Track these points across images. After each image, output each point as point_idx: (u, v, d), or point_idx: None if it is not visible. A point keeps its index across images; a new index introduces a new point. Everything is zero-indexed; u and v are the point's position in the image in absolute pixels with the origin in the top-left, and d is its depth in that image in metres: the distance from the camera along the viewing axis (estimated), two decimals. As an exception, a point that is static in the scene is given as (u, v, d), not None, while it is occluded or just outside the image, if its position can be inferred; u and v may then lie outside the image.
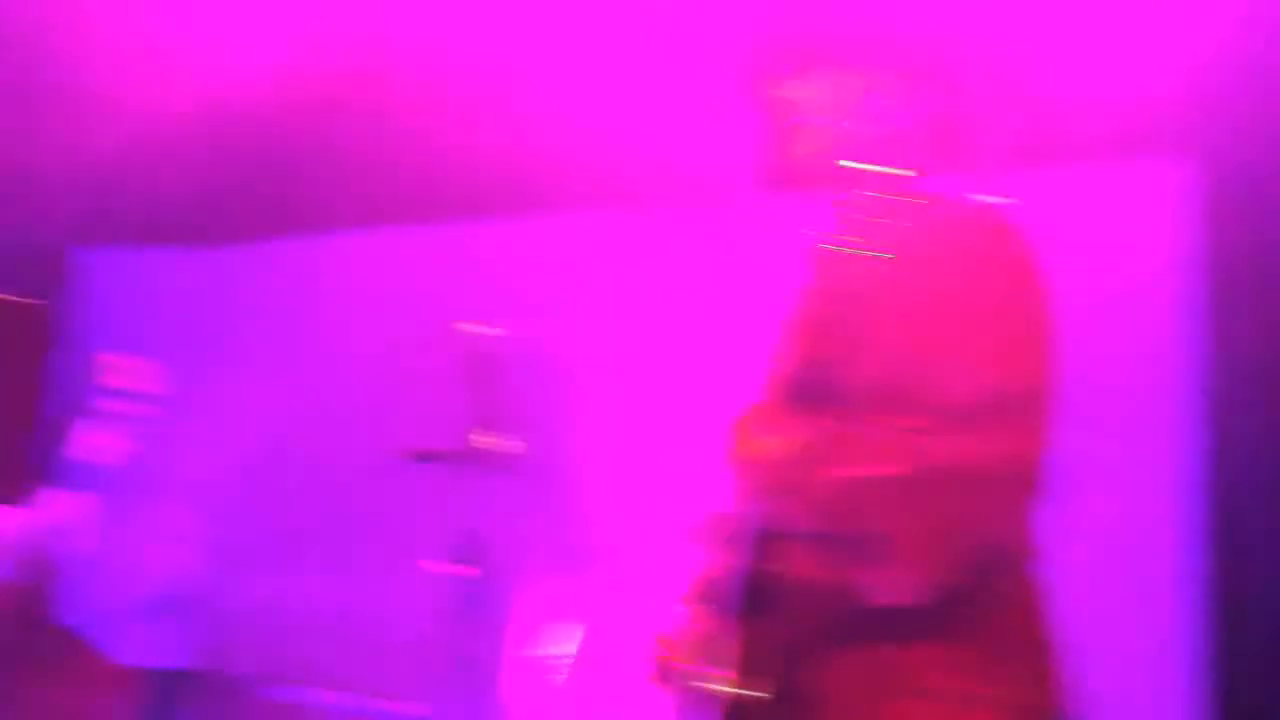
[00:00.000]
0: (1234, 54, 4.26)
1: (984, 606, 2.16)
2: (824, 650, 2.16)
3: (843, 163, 2.22)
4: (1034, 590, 2.23)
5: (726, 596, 2.37)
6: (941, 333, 2.21)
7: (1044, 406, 2.20)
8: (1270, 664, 4.20)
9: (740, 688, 2.13)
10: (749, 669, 2.14)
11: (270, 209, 5.12)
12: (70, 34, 4.56)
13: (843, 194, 2.23)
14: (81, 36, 4.55)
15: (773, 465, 2.16)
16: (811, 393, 2.28)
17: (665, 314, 4.68)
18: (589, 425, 4.76)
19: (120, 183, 5.05)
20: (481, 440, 2.60)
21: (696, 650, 2.35)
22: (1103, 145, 4.36)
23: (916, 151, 2.41)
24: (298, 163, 4.98)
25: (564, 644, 2.42)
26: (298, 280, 5.10)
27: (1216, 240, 4.38)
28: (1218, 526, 4.28)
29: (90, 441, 4.08)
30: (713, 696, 2.17)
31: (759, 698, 2.11)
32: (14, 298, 5.14)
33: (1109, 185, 4.41)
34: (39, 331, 5.25)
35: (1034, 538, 2.23)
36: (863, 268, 2.32)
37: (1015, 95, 4.32)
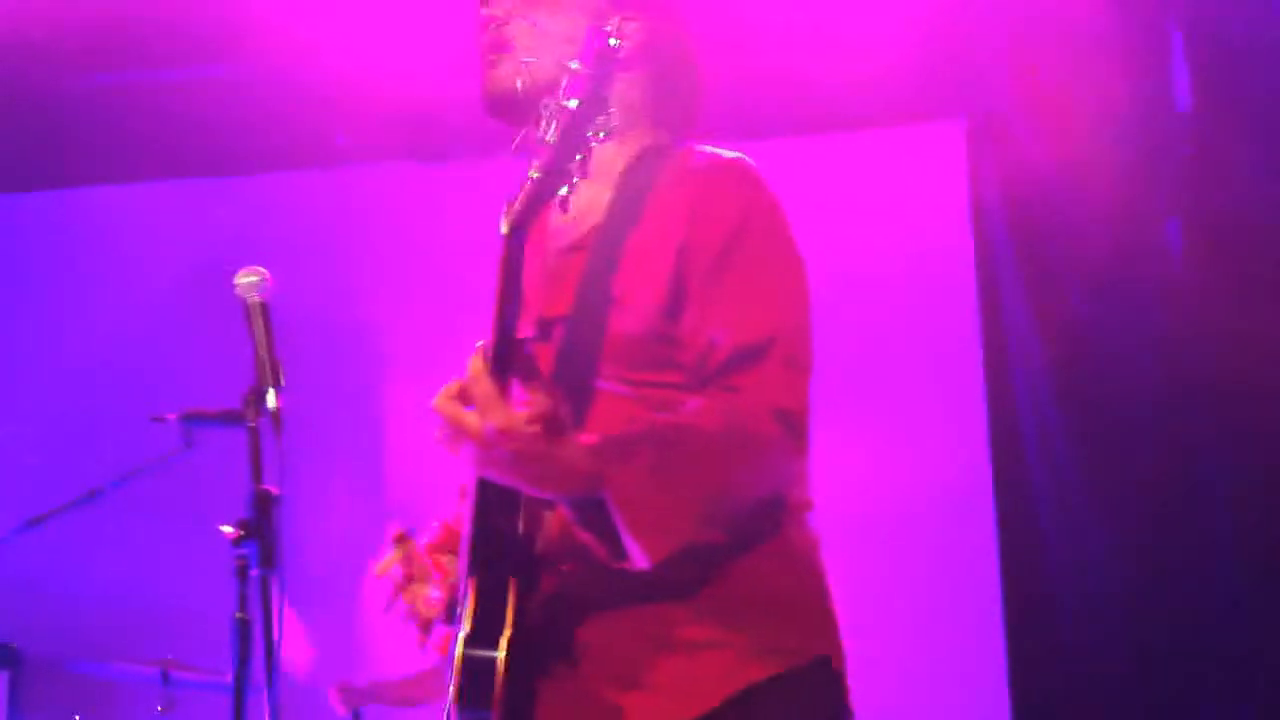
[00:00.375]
0: (996, 21, 4.43)
1: (750, 558, 2.09)
2: (582, 606, 2.08)
3: (565, 103, 1.94)
4: (806, 541, 2.16)
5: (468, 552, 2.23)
6: (694, 284, 2.10)
7: (805, 356, 2.13)
8: (1061, 628, 4.42)
9: (477, 648, 2.01)
10: (491, 627, 2.02)
11: (35, 158, 4.92)
12: None
13: (566, 138, 1.94)
14: None
15: (506, 434, 1.90)
16: (542, 353, 2.15)
17: (461, 266, 4.64)
18: (387, 383, 4.72)
19: None
20: (273, 400, 2.49)
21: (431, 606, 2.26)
22: (875, 114, 4.48)
23: (647, 100, 2.26)
24: (64, 111, 4.79)
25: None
26: (73, 234, 4.93)
27: (982, 201, 4.57)
28: (1000, 478, 4.50)
29: None
30: (452, 654, 2.04)
31: (497, 658, 2.00)
32: None
33: (884, 151, 4.54)
34: None
35: (804, 488, 2.17)
36: (593, 219, 2.20)
37: (779, 67, 4.40)
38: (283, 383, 2.51)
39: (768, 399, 2.06)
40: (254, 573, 2.49)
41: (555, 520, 2.07)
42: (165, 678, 3.97)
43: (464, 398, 1.94)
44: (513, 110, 2.24)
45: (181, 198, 4.86)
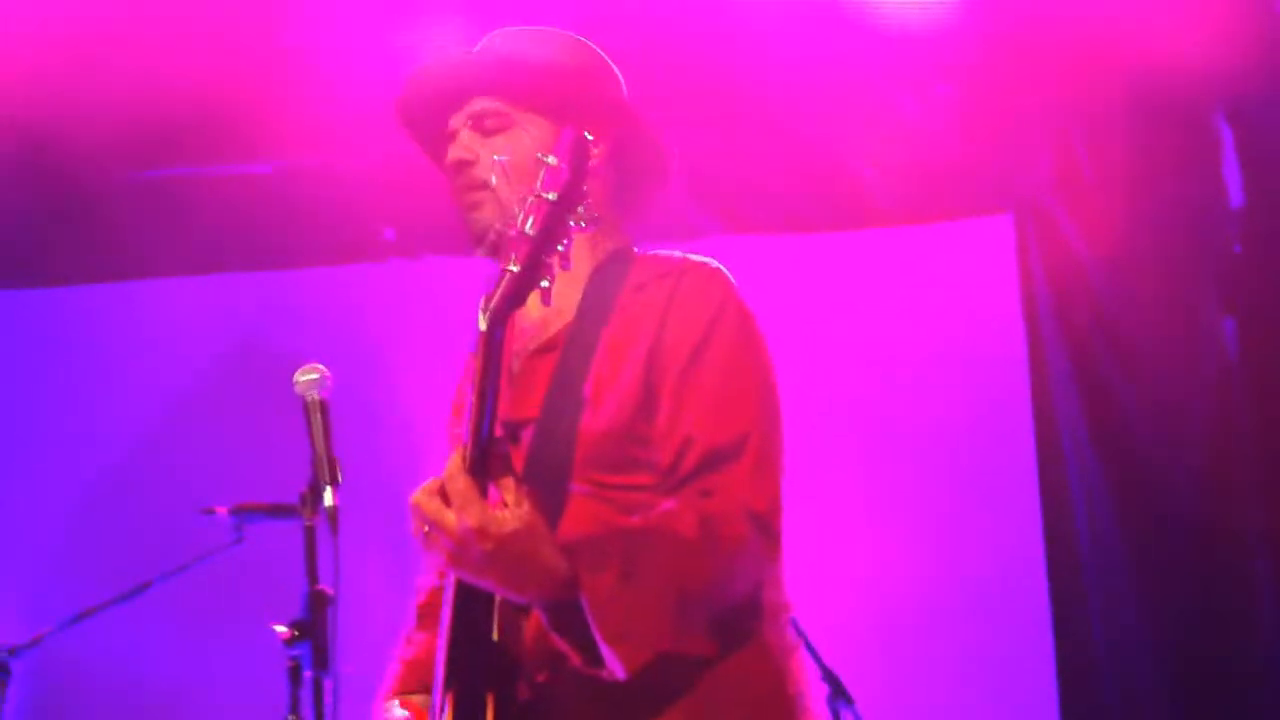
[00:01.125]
0: (1047, 118, 4.43)
1: (727, 664, 2.05)
2: (559, 718, 2.03)
3: (544, 195, 1.89)
4: (783, 644, 2.13)
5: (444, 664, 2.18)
6: (665, 386, 2.10)
7: (776, 457, 2.11)
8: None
9: None
10: None
11: (84, 253, 4.94)
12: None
13: (545, 230, 1.90)
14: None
15: (482, 533, 1.86)
16: (516, 455, 2.13)
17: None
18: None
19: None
20: (330, 498, 2.46)
21: None
22: (927, 208, 4.49)
23: (610, 206, 2.26)
24: (111, 205, 4.82)
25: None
26: (123, 327, 4.94)
27: (1033, 295, 4.56)
28: (1053, 562, 4.45)
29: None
30: None
31: None
32: None
33: (938, 243, 4.54)
34: None
35: (781, 590, 2.14)
36: (561, 320, 2.20)
37: (835, 163, 4.43)
38: (340, 480, 2.48)
39: (740, 501, 2.04)
40: (307, 674, 2.44)
41: (530, 628, 2.03)
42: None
43: (444, 495, 1.90)
44: (494, 248, 2.24)
45: (230, 291, 4.88)
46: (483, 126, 2.27)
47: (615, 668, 1.93)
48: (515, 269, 1.89)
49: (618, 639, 1.92)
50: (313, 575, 2.47)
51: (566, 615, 1.94)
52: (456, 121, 2.29)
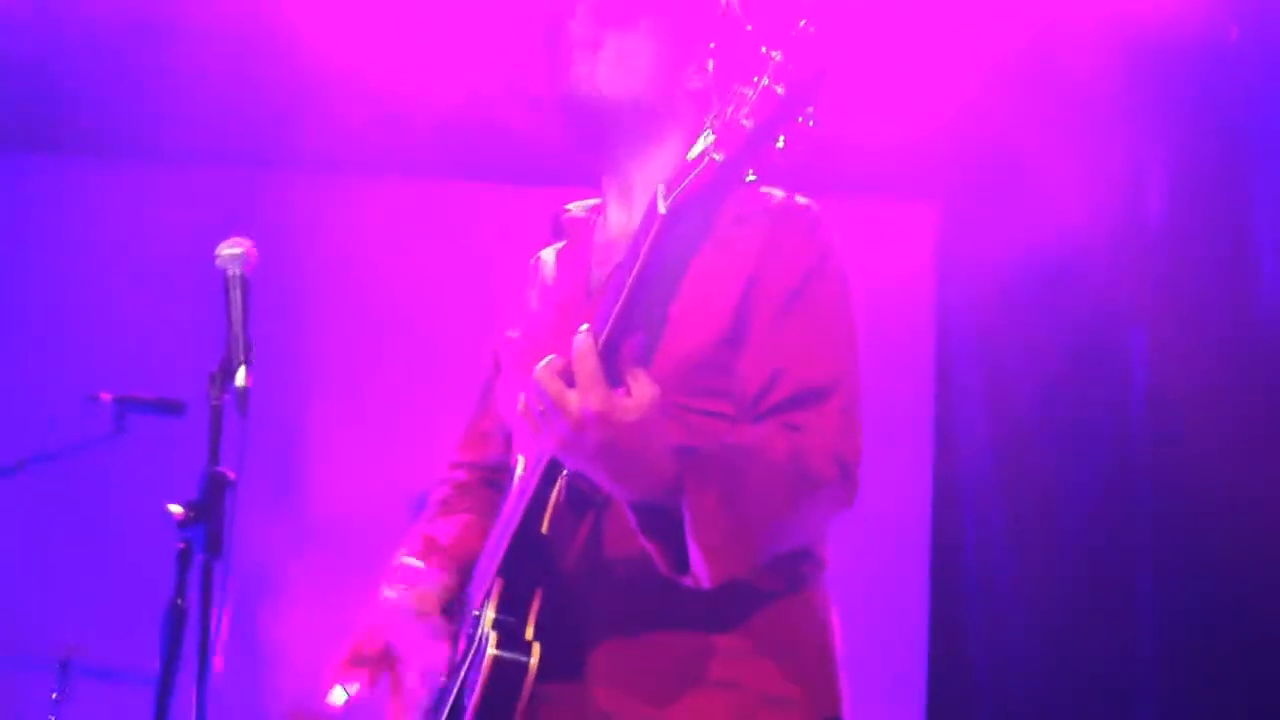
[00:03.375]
0: (977, 110, 4.44)
1: (779, 607, 2.08)
2: (623, 629, 2.04)
3: (773, 87, 1.71)
4: (825, 599, 2.16)
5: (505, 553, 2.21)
6: (760, 318, 2.08)
7: (860, 410, 2.10)
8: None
9: (503, 650, 1.98)
10: (513, 631, 2.00)
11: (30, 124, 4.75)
12: None
13: (767, 127, 1.72)
14: None
15: (604, 419, 1.81)
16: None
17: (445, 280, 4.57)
18: (347, 382, 4.61)
19: None
20: (243, 377, 2.34)
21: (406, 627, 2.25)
22: (856, 184, 4.47)
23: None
24: (67, 81, 4.64)
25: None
26: (47, 201, 4.77)
27: (947, 277, 4.58)
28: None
29: None
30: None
31: (525, 665, 1.97)
32: None
33: (857, 221, 4.53)
34: None
35: (826, 547, 2.16)
36: (659, 244, 2.02)
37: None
38: (253, 361, 2.36)
39: (829, 442, 2.03)
40: (198, 558, 2.33)
41: (582, 531, 2.02)
42: (96, 672, 3.83)
43: (567, 376, 1.83)
44: (590, 116, 2.19)
45: (162, 180, 4.73)
46: (602, 17, 2.20)
47: (701, 577, 1.91)
48: (719, 158, 1.74)
49: (714, 553, 1.89)
50: (214, 456, 2.34)
51: (660, 519, 1.91)
52: (579, 10, 2.23)
